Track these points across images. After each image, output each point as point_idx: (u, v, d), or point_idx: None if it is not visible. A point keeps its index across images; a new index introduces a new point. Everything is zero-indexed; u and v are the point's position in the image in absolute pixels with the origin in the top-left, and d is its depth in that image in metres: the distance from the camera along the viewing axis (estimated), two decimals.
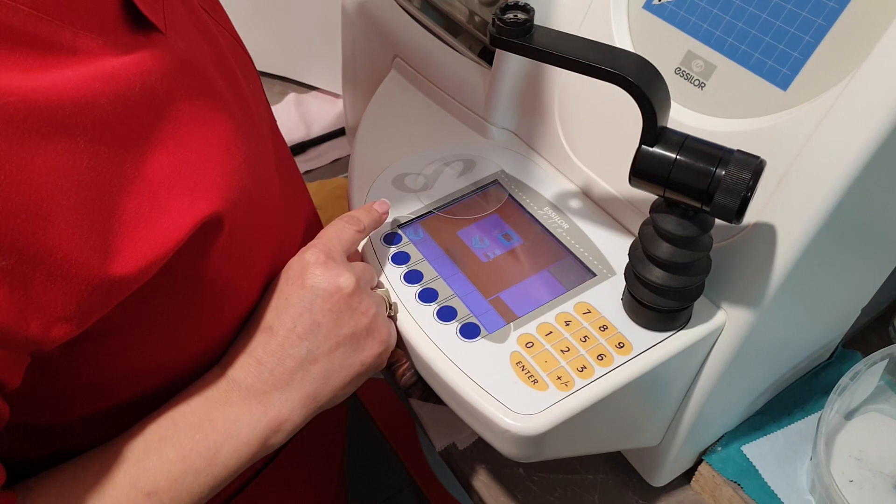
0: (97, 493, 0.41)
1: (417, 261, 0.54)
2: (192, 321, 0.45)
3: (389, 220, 0.57)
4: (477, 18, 0.64)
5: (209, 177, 0.41)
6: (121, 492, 0.41)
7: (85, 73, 0.35)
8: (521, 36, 0.41)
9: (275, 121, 0.62)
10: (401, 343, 0.52)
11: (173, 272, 0.40)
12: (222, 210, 0.41)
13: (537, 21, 0.54)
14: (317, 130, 1.05)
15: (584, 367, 0.47)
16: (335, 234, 0.52)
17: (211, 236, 0.42)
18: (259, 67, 1.13)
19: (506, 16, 0.41)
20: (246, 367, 0.47)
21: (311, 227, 0.66)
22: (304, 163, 1.02)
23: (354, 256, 0.56)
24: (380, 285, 0.53)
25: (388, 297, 0.52)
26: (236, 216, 0.43)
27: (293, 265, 0.49)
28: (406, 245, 0.55)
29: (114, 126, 0.36)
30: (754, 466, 0.61)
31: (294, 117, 1.06)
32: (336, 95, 1.10)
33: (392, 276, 0.53)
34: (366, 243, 0.56)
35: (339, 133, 1.05)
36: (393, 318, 0.52)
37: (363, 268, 0.51)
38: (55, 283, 0.33)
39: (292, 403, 0.47)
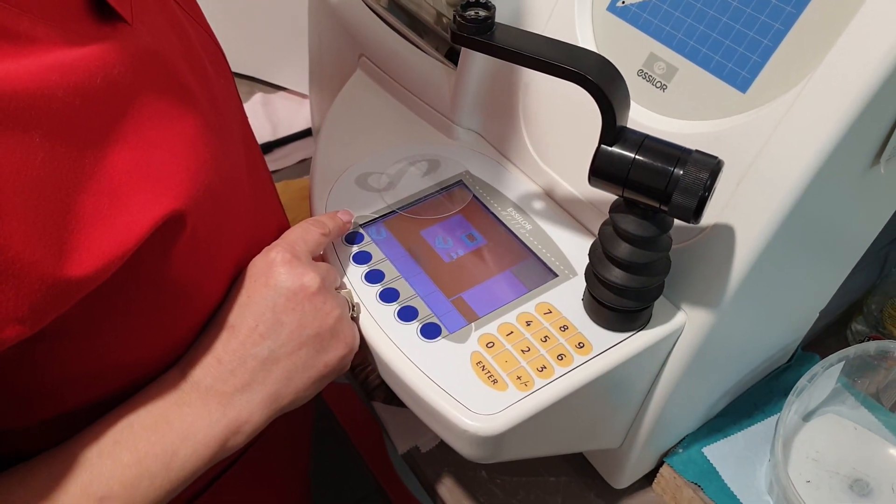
0: (46, 499, 0.39)
1: (379, 260, 0.54)
2: (154, 321, 0.44)
3: None
4: (444, 19, 0.64)
5: (173, 173, 0.40)
6: (72, 498, 0.40)
7: (43, 63, 0.34)
8: (481, 33, 0.41)
9: (246, 118, 0.61)
10: (362, 344, 0.52)
11: (134, 271, 0.39)
12: (185, 208, 0.40)
13: (502, 22, 0.54)
14: (283, 131, 1.04)
15: (543, 367, 0.47)
16: (300, 234, 0.51)
17: (173, 234, 0.41)
18: None
19: (467, 12, 0.41)
20: (206, 367, 0.45)
21: (282, 229, 0.65)
22: (270, 163, 1.01)
23: (317, 259, 0.56)
24: (342, 286, 0.53)
25: (351, 298, 0.51)
26: (200, 214, 0.42)
27: (257, 263, 0.49)
28: (368, 244, 0.55)
29: (72, 120, 0.35)
30: (714, 468, 0.61)
31: (261, 117, 1.05)
32: (304, 96, 1.09)
33: (353, 275, 0.53)
34: (328, 243, 0.55)
35: (305, 133, 1.04)
36: (356, 319, 0.51)
37: (327, 268, 0.51)
38: (6, 283, 0.32)
39: (253, 404, 0.46)
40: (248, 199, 0.50)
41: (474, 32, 0.41)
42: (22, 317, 0.33)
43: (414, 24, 0.67)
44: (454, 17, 0.41)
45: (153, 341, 0.45)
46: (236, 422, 0.45)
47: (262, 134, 1.03)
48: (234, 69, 1.11)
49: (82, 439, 0.42)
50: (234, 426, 0.45)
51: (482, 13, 0.41)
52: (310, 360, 0.47)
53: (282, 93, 1.10)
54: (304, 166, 1.02)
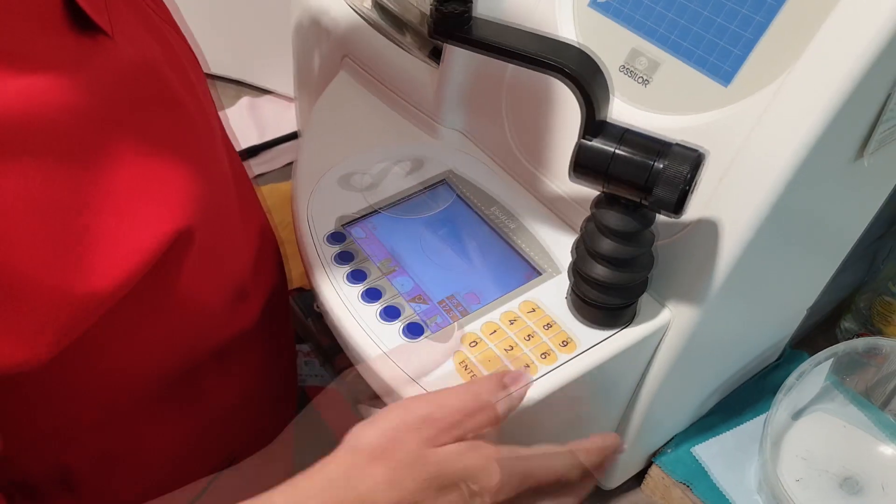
0: None
1: (362, 260, 0.53)
2: (160, 336, 0.43)
3: (334, 218, 0.56)
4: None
5: (174, 187, 0.40)
6: None
7: (27, 84, 0.33)
8: (459, 27, 0.40)
9: (221, 121, 0.60)
10: (345, 344, 0.51)
11: (145, 287, 0.38)
12: (192, 221, 0.40)
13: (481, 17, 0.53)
14: (270, 134, 1.03)
15: (527, 366, 0.46)
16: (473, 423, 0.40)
17: (182, 249, 0.40)
18: (213, 70, 1.12)
19: (444, 6, 0.40)
20: None
21: (264, 232, 0.64)
22: (256, 166, 1.00)
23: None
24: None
25: None
26: (203, 225, 0.42)
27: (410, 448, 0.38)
28: (350, 244, 0.54)
29: (65, 140, 0.34)
30: (704, 467, 0.61)
31: (247, 121, 1.04)
32: (291, 99, 1.08)
33: (336, 275, 0.52)
34: (309, 243, 0.55)
35: (292, 137, 1.03)
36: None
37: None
38: (22, 305, 0.32)
39: None
40: (235, 204, 0.49)
41: (452, 26, 0.41)
42: (47, 335, 0.33)
43: (397, 24, 0.67)
44: (431, 11, 0.41)
45: (159, 355, 0.44)
46: None
47: (249, 137, 1.02)
48: (220, 73, 1.12)
49: None
50: None
51: (459, 7, 0.40)
52: None
53: (268, 96, 1.10)
54: (290, 170, 1.01)
